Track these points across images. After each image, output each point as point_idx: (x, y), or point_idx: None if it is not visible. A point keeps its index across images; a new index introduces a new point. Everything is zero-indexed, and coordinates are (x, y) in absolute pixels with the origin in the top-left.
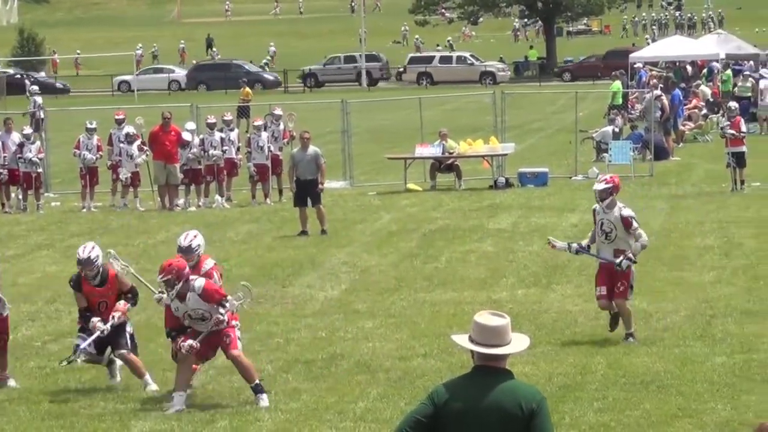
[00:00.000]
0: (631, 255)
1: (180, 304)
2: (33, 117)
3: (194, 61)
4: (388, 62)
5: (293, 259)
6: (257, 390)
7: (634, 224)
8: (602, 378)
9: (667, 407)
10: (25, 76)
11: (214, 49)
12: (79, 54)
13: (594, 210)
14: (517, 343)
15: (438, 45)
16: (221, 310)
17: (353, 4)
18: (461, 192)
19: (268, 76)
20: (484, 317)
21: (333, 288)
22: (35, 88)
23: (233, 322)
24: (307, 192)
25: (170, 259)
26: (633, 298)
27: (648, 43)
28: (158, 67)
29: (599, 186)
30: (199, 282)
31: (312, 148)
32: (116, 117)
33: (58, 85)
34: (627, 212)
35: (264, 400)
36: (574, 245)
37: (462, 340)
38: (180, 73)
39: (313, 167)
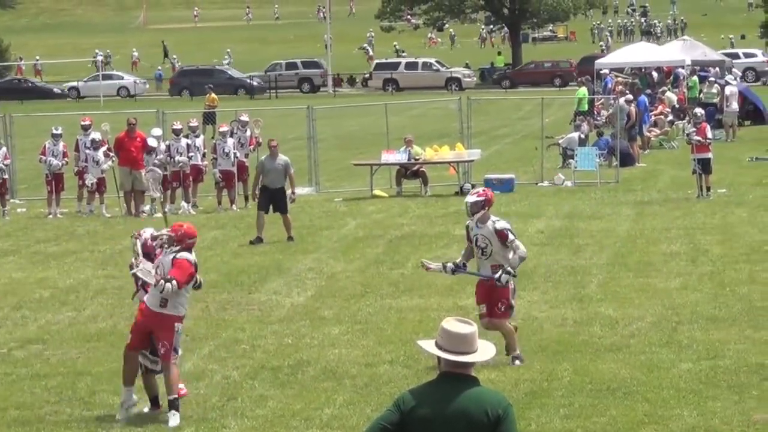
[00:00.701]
0: (509, 269)
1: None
2: None
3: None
4: (327, 70)
5: (259, 265)
6: (172, 405)
7: (510, 236)
8: (568, 384)
9: (634, 414)
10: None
11: (174, 56)
12: (38, 60)
13: (467, 226)
14: (484, 351)
15: (402, 51)
16: (163, 282)
17: (324, 10)
18: (427, 198)
19: (254, 83)
20: (453, 324)
21: (299, 294)
22: None
23: (179, 328)
24: (274, 199)
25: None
26: (515, 317)
27: (602, 50)
28: (107, 74)
29: (471, 199)
30: (183, 254)
31: (282, 157)
32: (82, 123)
33: (56, 90)
34: (501, 225)
35: (174, 418)
36: (450, 265)
37: (429, 346)
38: (129, 79)
39: (282, 176)
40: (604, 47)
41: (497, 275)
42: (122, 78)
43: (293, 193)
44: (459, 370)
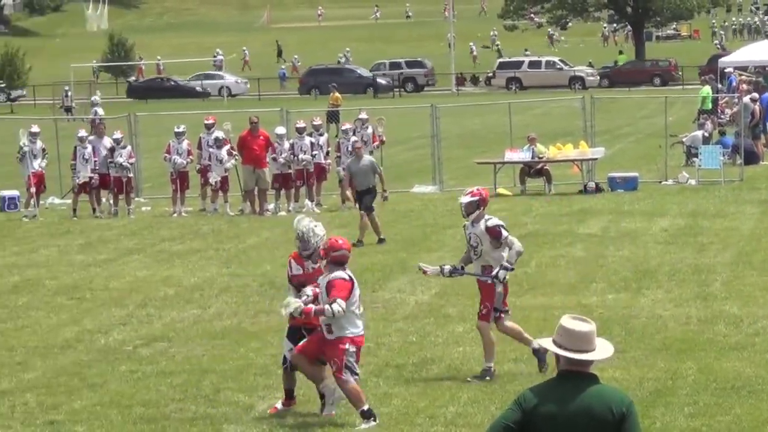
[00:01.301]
0: (507, 264)
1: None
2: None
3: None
4: (433, 68)
5: (383, 263)
6: (363, 416)
7: (503, 233)
8: (693, 383)
9: (759, 412)
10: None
11: (295, 56)
12: (160, 60)
13: (464, 226)
14: (604, 349)
15: (526, 50)
16: (327, 308)
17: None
18: (551, 197)
19: (382, 81)
20: (571, 322)
21: (423, 292)
22: (96, 98)
23: (348, 348)
24: (361, 200)
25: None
26: (509, 319)
27: (718, 48)
28: (210, 73)
29: (465, 199)
30: (335, 273)
31: (367, 158)
32: (205, 122)
33: (198, 89)
34: (492, 222)
35: (365, 427)
36: (447, 267)
37: (548, 344)
38: (230, 79)
39: (368, 177)
40: (718, 45)
41: (495, 272)
42: (223, 78)
43: (384, 191)
44: (578, 368)
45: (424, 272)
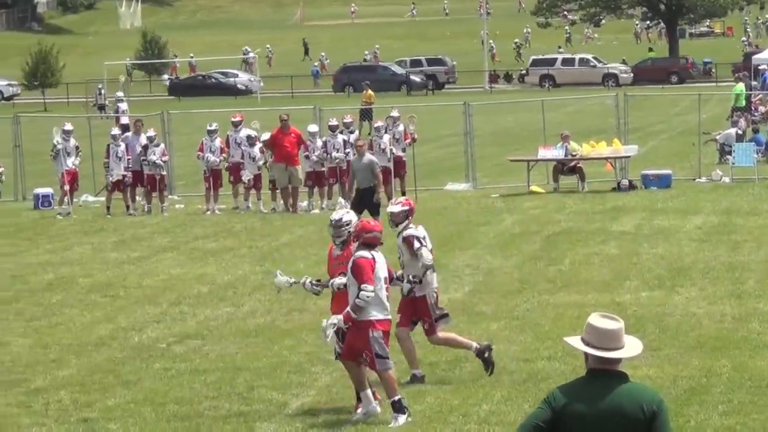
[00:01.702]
0: (411, 278)
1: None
2: (118, 121)
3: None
4: (455, 66)
5: None
6: (394, 408)
7: (416, 244)
8: (727, 381)
9: None
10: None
11: (322, 53)
12: (192, 57)
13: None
14: (632, 347)
15: (559, 47)
16: (358, 300)
17: (487, 6)
18: (584, 194)
19: (415, 78)
20: (599, 320)
21: (457, 290)
22: (120, 94)
23: (373, 335)
24: (363, 200)
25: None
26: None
27: (746, 46)
28: (224, 72)
29: (393, 209)
30: (358, 253)
31: (367, 156)
32: (233, 120)
33: (240, 86)
34: (408, 232)
35: (397, 420)
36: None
37: (576, 342)
38: (243, 77)
39: (369, 176)
40: (746, 42)
41: (401, 286)
42: (237, 76)
43: (377, 192)
44: (607, 367)
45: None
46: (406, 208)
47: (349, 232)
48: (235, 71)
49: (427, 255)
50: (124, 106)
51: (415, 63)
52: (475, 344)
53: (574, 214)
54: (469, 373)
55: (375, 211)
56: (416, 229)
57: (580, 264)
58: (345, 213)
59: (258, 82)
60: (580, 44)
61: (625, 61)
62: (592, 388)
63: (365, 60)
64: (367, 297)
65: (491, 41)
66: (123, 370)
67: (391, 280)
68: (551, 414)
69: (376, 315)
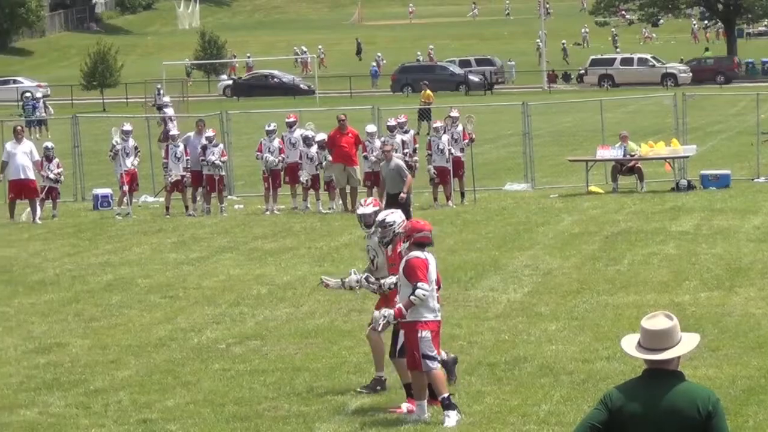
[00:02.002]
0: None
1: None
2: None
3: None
4: (503, 66)
5: (475, 261)
6: (444, 405)
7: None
8: None
9: None
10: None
11: (379, 54)
12: (249, 57)
13: (365, 237)
14: (685, 343)
15: (617, 47)
16: (413, 297)
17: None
18: (643, 194)
19: (474, 78)
20: (649, 321)
21: (516, 291)
22: (167, 99)
23: (422, 334)
24: (392, 206)
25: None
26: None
27: None
28: (263, 73)
29: (363, 210)
30: (412, 253)
31: (395, 161)
32: (287, 120)
33: (303, 86)
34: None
35: (450, 419)
36: (348, 279)
37: (629, 346)
38: (285, 77)
39: (396, 181)
40: None
41: (386, 281)
42: (275, 77)
43: (403, 193)
44: (662, 366)
45: (326, 285)
46: (377, 209)
47: (394, 232)
48: (275, 72)
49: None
50: (170, 111)
51: (465, 63)
52: (383, 374)
53: (633, 215)
54: (528, 374)
55: (407, 215)
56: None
57: (639, 264)
58: (389, 213)
59: (302, 83)
60: (632, 44)
61: (683, 60)
62: (647, 388)
63: (418, 60)
64: (423, 295)
65: (538, 41)
66: (182, 370)
67: (439, 286)
68: (607, 414)
69: (426, 315)
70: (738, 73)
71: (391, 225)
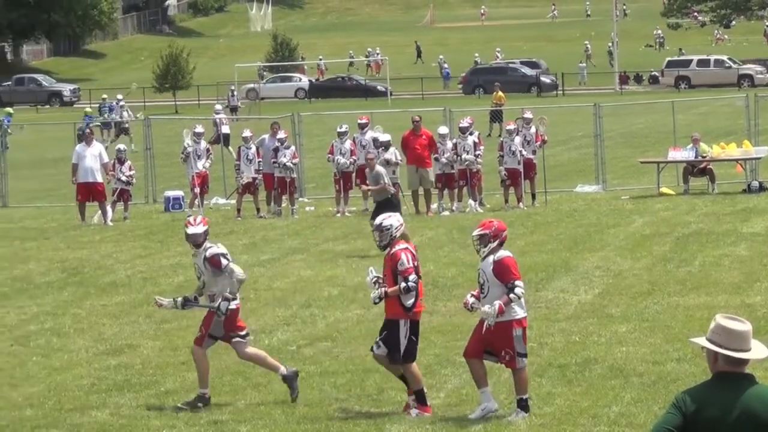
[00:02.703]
0: (228, 294)
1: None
2: (217, 130)
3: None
4: (548, 68)
5: (546, 263)
6: (519, 405)
7: (223, 261)
8: None
9: None
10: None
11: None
12: (321, 60)
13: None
14: (760, 349)
15: (680, 49)
16: (512, 296)
17: (624, 7)
18: (714, 196)
19: (545, 79)
20: (730, 321)
21: (586, 292)
22: (219, 107)
23: (516, 333)
24: (381, 212)
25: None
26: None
27: None
28: (285, 76)
29: (195, 230)
30: (500, 253)
31: (376, 168)
32: (359, 122)
33: (380, 88)
34: (212, 251)
35: (518, 417)
36: (179, 299)
37: (707, 343)
38: (306, 81)
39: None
40: None
41: (216, 304)
42: (300, 80)
43: (366, 187)
44: (736, 369)
45: (159, 305)
46: (206, 227)
47: (391, 235)
48: (298, 75)
49: (239, 270)
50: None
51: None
52: (282, 368)
53: (705, 216)
54: (599, 376)
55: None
56: (218, 247)
57: (711, 266)
58: (387, 217)
59: (377, 84)
60: (704, 47)
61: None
62: (722, 392)
63: (476, 63)
64: (522, 292)
65: (586, 42)
66: (253, 372)
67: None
68: (682, 419)
69: (518, 313)
70: None
71: (389, 228)
